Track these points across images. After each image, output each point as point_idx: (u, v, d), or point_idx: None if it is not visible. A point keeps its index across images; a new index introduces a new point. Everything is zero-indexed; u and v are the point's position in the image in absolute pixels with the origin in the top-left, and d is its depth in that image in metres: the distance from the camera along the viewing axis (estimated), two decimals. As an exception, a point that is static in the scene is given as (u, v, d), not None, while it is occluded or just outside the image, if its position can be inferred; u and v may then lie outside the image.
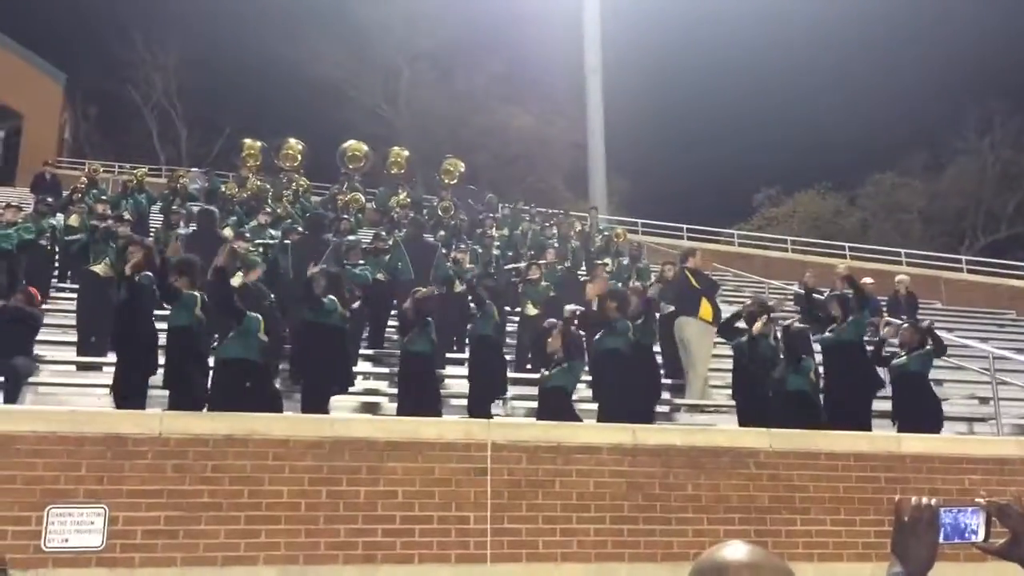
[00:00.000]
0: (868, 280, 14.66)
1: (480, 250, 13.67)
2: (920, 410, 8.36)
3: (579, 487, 5.94)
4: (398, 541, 5.56)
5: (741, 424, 8.08)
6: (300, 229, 11.54)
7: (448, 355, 10.29)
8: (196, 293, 7.11)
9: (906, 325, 9.40)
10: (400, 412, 7.91)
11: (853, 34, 37.57)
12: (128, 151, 35.41)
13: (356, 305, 8.98)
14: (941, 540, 1.68)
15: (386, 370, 10.14)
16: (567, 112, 37.35)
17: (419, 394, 8.03)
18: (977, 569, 6.17)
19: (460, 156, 20.11)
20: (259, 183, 16.19)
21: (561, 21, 32.94)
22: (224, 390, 6.65)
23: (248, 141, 18.19)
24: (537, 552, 5.72)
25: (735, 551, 1.39)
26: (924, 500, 1.68)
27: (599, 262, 13.51)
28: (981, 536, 1.71)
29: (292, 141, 18.44)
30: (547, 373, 7.90)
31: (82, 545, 5.11)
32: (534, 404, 8.58)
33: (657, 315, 9.54)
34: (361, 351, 10.18)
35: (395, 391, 8.92)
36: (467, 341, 10.11)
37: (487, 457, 5.83)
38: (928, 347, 8.79)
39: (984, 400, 10.56)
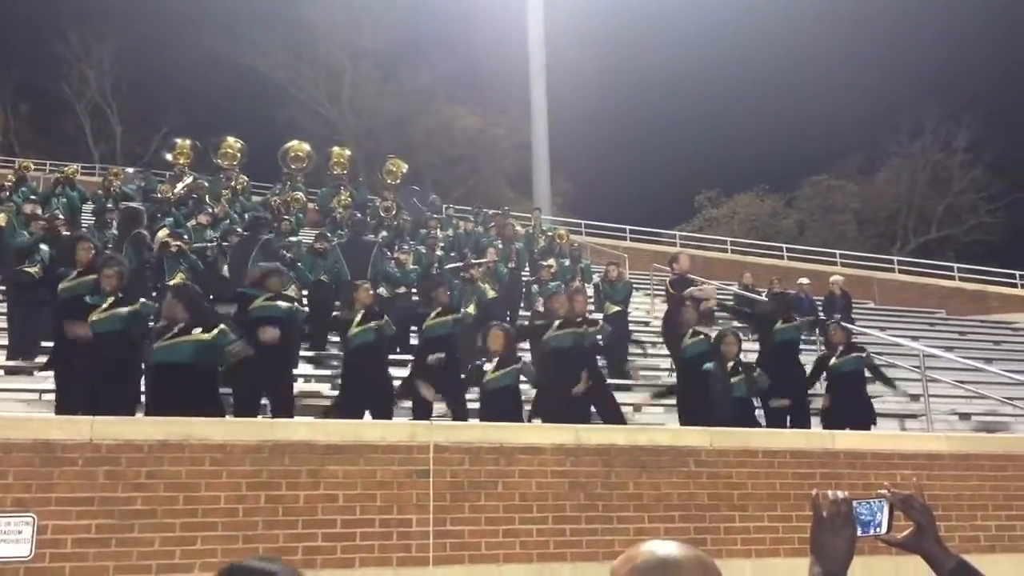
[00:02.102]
0: (804, 280, 15.02)
1: (424, 251, 13.62)
2: (855, 409, 8.58)
3: (522, 488, 5.94)
4: (339, 546, 5.49)
5: (682, 424, 8.20)
6: (239, 230, 11.36)
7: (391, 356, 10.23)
8: None
9: (832, 324, 9.58)
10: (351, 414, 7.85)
11: (790, 39, 38.35)
12: (60, 149, 34.45)
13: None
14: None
15: (327, 372, 10.04)
16: (512, 113, 37.46)
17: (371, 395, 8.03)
18: (880, 561, 6.36)
19: (404, 156, 20.05)
20: (195, 179, 15.90)
21: (506, 22, 33.02)
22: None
23: (179, 140, 17.88)
24: (480, 554, 5.71)
25: (668, 547, 1.36)
26: (840, 494, 1.67)
27: (543, 263, 13.57)
28: (884, 528, 1.70)
29: (231, 139, 18.16)
30: (495, 374, 7.82)
31: (10, 555, 4.94)
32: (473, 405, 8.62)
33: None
34: (301, 352, 10.05)
35: (336, 393, 8.86)
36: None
37: (430, 459, 5.80)
38: (861, 353, 9.07)
39: (915, 397, 10.86)
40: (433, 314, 8.94)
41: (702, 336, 8.91)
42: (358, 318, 8.26)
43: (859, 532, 1.68)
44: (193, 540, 5.25)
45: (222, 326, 6.62)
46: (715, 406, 7.74)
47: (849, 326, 10.22)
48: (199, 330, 6.47)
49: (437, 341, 8.73)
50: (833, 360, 8.93)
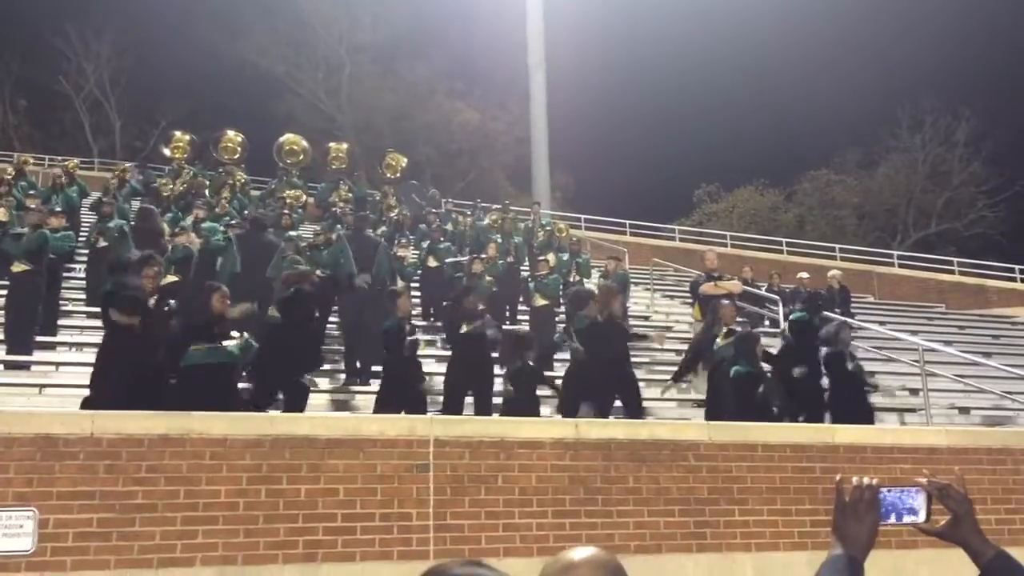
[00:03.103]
0: (804, 275, 15.03)
1: (425, 245, 13.64)
2: (856, 406, 8.57)
3: (522, 482, 5.96)
4: (339, 539, 5.51)
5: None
6: (234, 224, 11.38)
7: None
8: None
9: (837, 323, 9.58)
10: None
11: (789, 34, 38.31)
12: (59, 143, 34.38)
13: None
14: (885, 521, 1.70)
15: (328, 367, 10.05)
16: (511, 107, 37.40)
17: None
18: (906, 556, 6.38)
19: (403, 151, 20.02)
20: (195, 175, 15.88)
21: (505, 16, 32.94)
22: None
23: (177, 133, 17.82)
24: (480, 548, 5.72)
25: (574, 552, 1.54)
26: (865, 480, 1.69)
27: (541, 258, 13.58)
28: (922, 517, 1.72)
29: (231, 133, 18.12)
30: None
31: (11, 549, 4.95)
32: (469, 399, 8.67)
33: None
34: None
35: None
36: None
37: (430, 453, 5.81)
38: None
39: (914, 391, 10.88)
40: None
41: (735, 337, 8.79)
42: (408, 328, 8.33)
43: (895, 520, 1.71)
44: (194, 534, 5.26)
45: (246, 335, 7.03)
46: (757, 407, 7.75)
47: (849, 320, 10.20)
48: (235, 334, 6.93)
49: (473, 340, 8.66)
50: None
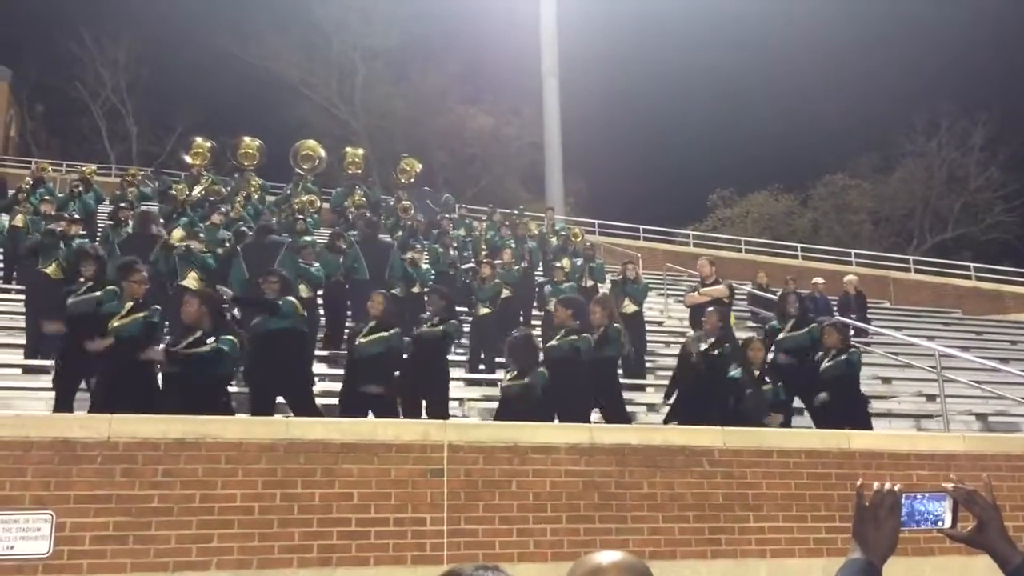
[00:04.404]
0: (819, 280, 14.96)
1: (440, 250, 13.66)
2: (851, 411, 8.43)
3: (536, 487, 5.95)
4: (353, 544, 5.51)
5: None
6: (246, 229, 11.43)
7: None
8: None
9: (828, 325, 9.36)
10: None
11: (806, 39, 38.21)
12: (76, 149, 34.72)
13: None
14: (909, 526, 1.69)
15: (342, 371, 10.05)
16: (524, 113, 37.47)
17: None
18: (923, 562, 6.33)
19: (416, 156, 20.05)
20: (212, 181, 15.96)
21: (519, 22, 33.02)
22: None
23: (198, 140, 17.90)
24: (494, 553, 5.72)
25: (605, 556, 1.52)
26: (887, 486, 1.68)
27: (556, 264, 13.57)
28: (948, 523, 1.71)
29: (247, 139, 18.19)
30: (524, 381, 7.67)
31: (29, 552, 4.99)
32: (488, 404, 8.59)
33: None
34: (316, 352, 10.07)
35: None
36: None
37: (444, 458, 5.81)
38: (852, 349, 8.91)
39: (931, 397, 10.79)
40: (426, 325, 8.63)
41: (727, 344, 8.74)
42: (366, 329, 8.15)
43: (921, 525, 1.71)
44: (209, 538, 5.28)
45: (231, 338, 6.72)
46: (750, 413, 7.69)
47: (848, 321, 10.06)
48: (212, 340, 6.62)
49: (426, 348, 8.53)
50: (824, 363, 8.74)
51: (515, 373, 7.52)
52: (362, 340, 7.96)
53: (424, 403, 8.15)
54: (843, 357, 8.64)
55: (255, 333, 7.70)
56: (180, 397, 6.40)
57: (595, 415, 8.18)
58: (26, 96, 39.02)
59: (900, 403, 10.76)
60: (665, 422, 8.41)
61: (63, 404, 7.28)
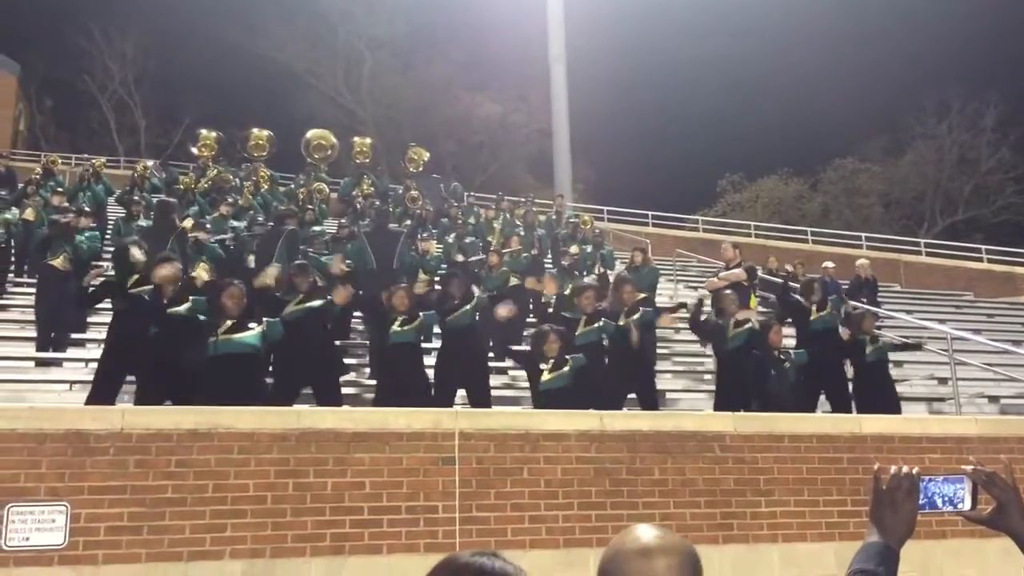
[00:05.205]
0: (829, 264, 14.90)
1: (451, 239, 13.66)
2: (883, 397, 8.50)
3: (547, 474, 5.96)
4: (366, 532, 5.54)
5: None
6: (260, 220, 11.43)
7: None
8: None
9: (865, 312, 9.48)
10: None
11: (815, 22, 37.93)
12: (85, 142, 34.78)
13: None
14: (926, 509, 1.69)
15: (353, 361, 10.09)
16: (532, 100, 37.34)
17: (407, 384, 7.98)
18: (936, 545, 6.32)
19: (424, 144, 19.99)
20: (221, 172, 15.96)
21: (524, 9, 32.84)
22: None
23: (204, 131, 17.88)
24: (506, 540, 5.74)
25: (649, 534, 1.43)
26: (904, 469, 1.68)
27: (565, 250, 13.56)
28: (968, 505, 1.71)
29: (256, 131, 18.16)
30: (548, 376, 7.57)
31: (44, 543, 5.03)
32: (496, 393, 8.60)
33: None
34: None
35: (364, 382, 8.90)
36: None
37: (455, 446, 5.83)
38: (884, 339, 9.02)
39: (943, 380, 10.76)
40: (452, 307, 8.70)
41: (747, 326, 8.72)
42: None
43: (940, 508, 1.70)
44: (223, 527, 5.31)
45: (268, 320, 7.14)
46: (771, 395, 7.71)
47: (875, 309, 10.06)
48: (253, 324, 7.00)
49: (461, 332, 8.57)
50: (869, 349, 8.83)
51: (550, 366, 7.48)
52: (396, 329, 7.98)
53: (465, 391, 8.21)
54: (879, 343, 8.89)
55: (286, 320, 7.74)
56: (223, 383, 6.48)
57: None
58: (35, 90, 39.10)
59: (912, 387, 10.72)
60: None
61: (104, 395, 7.08)
